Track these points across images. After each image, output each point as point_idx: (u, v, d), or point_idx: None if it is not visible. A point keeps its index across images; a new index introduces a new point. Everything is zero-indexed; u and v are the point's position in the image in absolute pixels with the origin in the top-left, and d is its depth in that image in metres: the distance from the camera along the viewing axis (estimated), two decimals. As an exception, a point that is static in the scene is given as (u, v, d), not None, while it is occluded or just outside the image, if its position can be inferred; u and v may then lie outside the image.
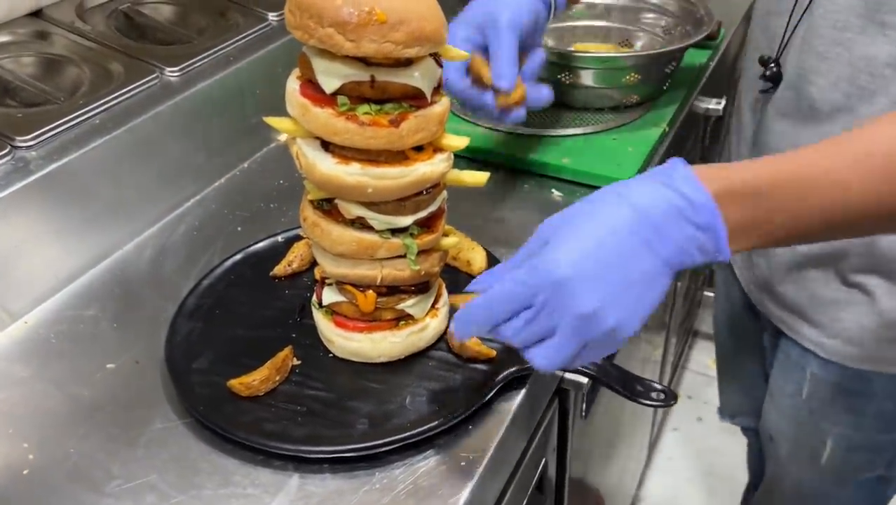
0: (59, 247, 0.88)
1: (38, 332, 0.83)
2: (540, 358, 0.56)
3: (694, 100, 1.26)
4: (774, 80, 0.89)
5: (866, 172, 0.55)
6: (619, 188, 0.56)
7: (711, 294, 2.27)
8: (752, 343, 1.12)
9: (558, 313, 0.53)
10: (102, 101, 0.93)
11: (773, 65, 0.89)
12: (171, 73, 1.01)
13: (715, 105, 1.36)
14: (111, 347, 0.81)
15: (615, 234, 0.54)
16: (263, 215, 1.00)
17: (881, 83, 0.78)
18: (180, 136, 1.00)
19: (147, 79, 0.98)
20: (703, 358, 2.32)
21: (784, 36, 0.87)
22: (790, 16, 0.86)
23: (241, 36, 1.10)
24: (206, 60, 1.05)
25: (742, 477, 1.39)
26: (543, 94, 0.91)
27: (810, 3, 0.83)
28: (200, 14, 1.15)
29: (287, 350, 0.74)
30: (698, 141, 1.46)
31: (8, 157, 0.84)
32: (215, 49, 1.07)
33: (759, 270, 1.00)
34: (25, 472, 0.68)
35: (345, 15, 0.57)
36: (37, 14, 1.05)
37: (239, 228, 0.98)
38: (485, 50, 0.87)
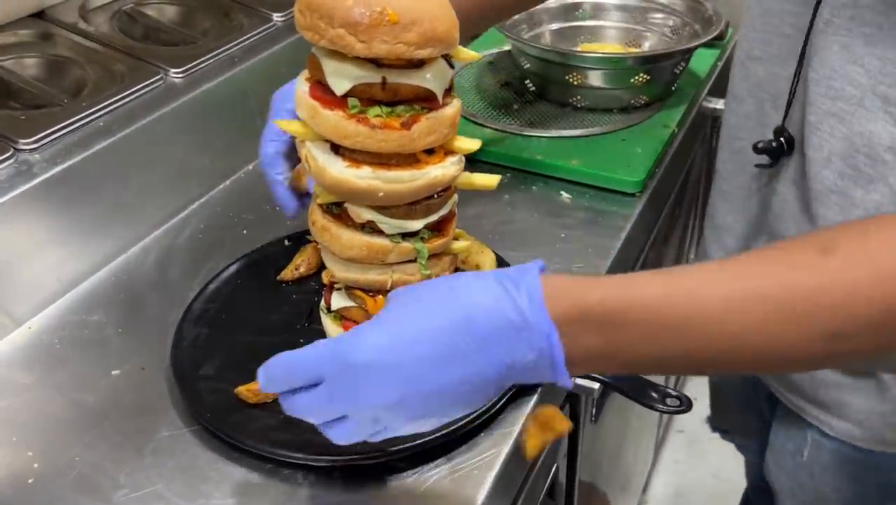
0: (62, 251, 0.87)
1: (41, 337, 0.82)
2: (334, 435, 0.53)
3: (702, 100, 1.25)
4: (777, 154, 0.77)
5: (755, 319, 0.47)
6: (464, 284, 0.50)
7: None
8: (748, 396, 1.02)
9: (349, 396, 0.49)
10: (106, 103, 0.92)
11: (781, 137, 0.76)
12: (176, 75, 1.00)
13: (722, 105, 1.34)
14: (116, 353, 0.79)
15: (437, 333, 0.48)
16: (269, 218, 0.99)
17: (881, 169, 0.66)
18: (185, 138, 0.99)
19: (151, 80, 0.97)
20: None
21: (790, 96, 0.76)
22: (795, 75, 0.74)
23: (245, 37, 1.09)
24: (210, 61, 1.04)
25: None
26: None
27: (801, 61, 0.73)
28: (204, 15, 1.14)
29: None
30: (706, 141, 1.45)
31: (11, 160, 0.83)
32: (220, 50, 1.06)
33: None
34: (30, 480, 0.67)
35: (356, 15, 0.56)
36: (39, 15, 1.04)
37: (245, 231, 0.96)
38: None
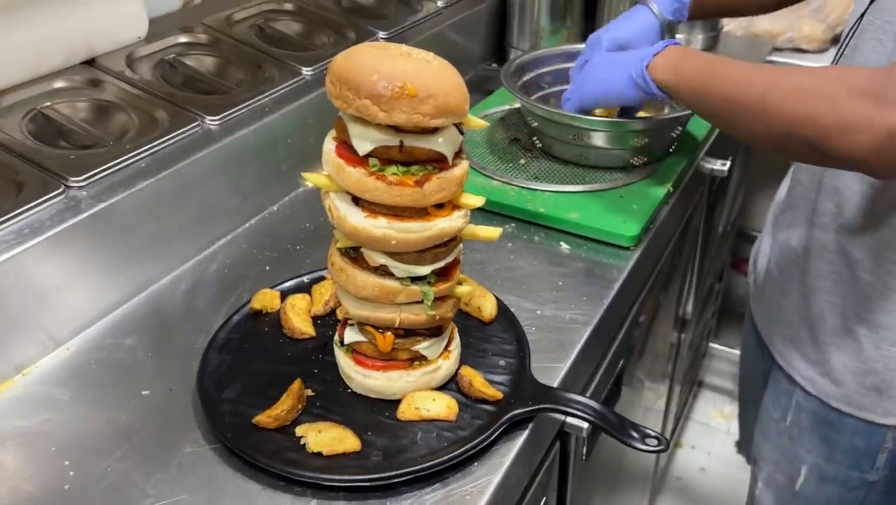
0: (102, 279, 0.95)
1: (79, 358, 0.90)
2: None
3: (700, 161, 1.33)
4: None
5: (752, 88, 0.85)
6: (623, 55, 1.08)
7: (717, 346, 2.32)
8: (760, 375, 1.20)
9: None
10: (148, 147, 1.01)
11: None
12: (212, 122, 1.09)
13: (720, 166, 1.42)
14: (146, 375, 0.87)
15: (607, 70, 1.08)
16: (290, 256, 1.07)
17: None
18: (217, 180, 1.08)
19: (189, 126, 1.06)
20: (708, 409, 2.35)
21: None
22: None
23: (276, 88, 1.19)
24: (243, 110, 1.13)
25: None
26: None
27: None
28: (239, 66, 1.23)
29: (298, 381, 0.79)
30: (703, 200, 1.53)
31: (62, 196, 0.92)
32: (252, 100, 1.15)
33: (771, 299, 1.12)
34: (66, 487, 0.74)
35: (380, 89, 0.64)
36: (90, 63, 1.14)
37: (267, 268, 1.04)
38: None
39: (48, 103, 1.05)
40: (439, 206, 0.73)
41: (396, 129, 0.68)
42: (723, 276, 2.17)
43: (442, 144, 0.70)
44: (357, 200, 0.72)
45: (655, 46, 1.02)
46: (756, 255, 1.23)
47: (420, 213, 0.71)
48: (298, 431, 0.76)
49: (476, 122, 0.73)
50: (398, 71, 0.65)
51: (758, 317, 1.20)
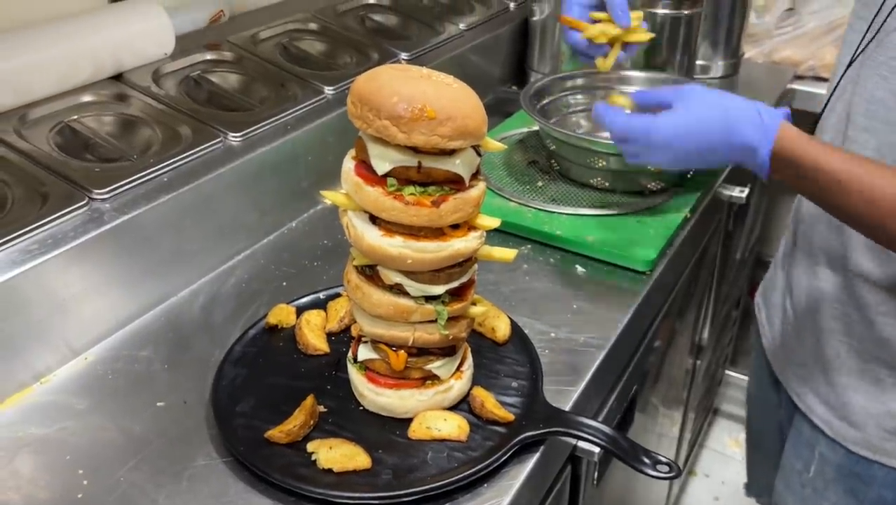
0: (121, 291, 0.96)
1: (96, 368, 0.91)
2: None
3: (718, 187, 1.32)
4: None
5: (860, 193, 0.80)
6: (734, 110, 0.86)
7: (733, 373, 2.30)
8: (773, 420, 1.17)
9: (642, 153, 0.92)
10: (171, 161, 1.03)
11: None
12: (234, 138, 1.11)
13: (738, 193, 1.42)
14: (162, 387, 0.88)
15: (705, 136, 0.87)
16: (307, 272, 1.08)
17: None
18: (237, 195, 1.09)
19: (212, 142, 1.08)
20: (723, 437, 2.32)
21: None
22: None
23: (298, 107, 1.20)
24: (265, 127, 1.15)
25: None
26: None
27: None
28: (263, 84, 1.25)
29: (311, 397, 0.80)
30: (721, 227, 1.52)
31: (86, 208, 0.93)
32: (274, 118, 1.17)
33: (785, 339, 1.09)
34: (79, 495, 0.75)
35: (400, 110, 0.66)
36: (118, 77, 1.16)
37: (284, 283, 1.05)
38: (601, 7, 1.07)
39: (75, 116, 1.07)
40: (455, 226, 0.73)
41: (415, 149, 0.69)
42: (740, 302, 2.16)
43: (459, 166, 0.70)
44: (374, 219, 0.73)
45: (775, 116, 0.84)
46: (766, 291, 1.21)
47: (436, 233, 0.72)
48: (310, 446, 0.76)
49: (494, 144, 0.74)
50: (418, 93, 0.66)
51: (772, 357, 1.17)
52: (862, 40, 0.94)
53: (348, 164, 0.74)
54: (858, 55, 0.94)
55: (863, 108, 0.92)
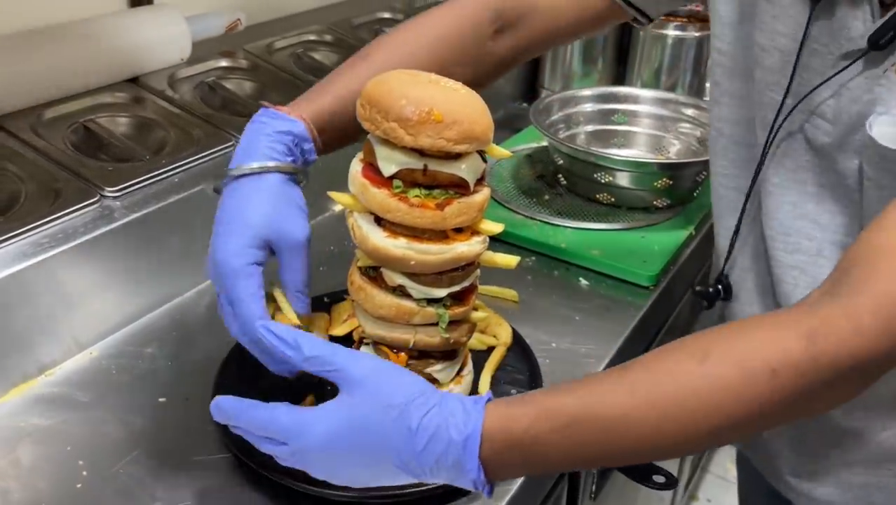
0: (129, 287, 0.98)
1: (101, 362, 0.92)
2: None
3: (724, 207, 1.33)
4: (713, 298, 0.86)
5: (650, 426, 0.55)
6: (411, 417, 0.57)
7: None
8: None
9: (298, 460, 0.62)
10: (182, 163, 1.04)
11: (719, 284, 0.84)
12: (245, 143, 1.12)
13: (745, 214, 1.43)
14: (164, 383, 0.89)
15: (375, 455, 0.59)
16: (313, 276, 1.08)
17: None
18: (246, 198, 1.10)
19: (224, 145, 1.09)
20: (725, 462, 2.31)
21: (730, 248, 0.83)
22: (735, 230, 0.81)
23: (310, 114, 1.22)
24: (276, 133, 1.16)
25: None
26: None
27: (740, 217, 0.80)
28: (277, 92, 1.27)
29: (311, 397, 0.81)
30: (727, 246, 1.52)
31: (97, 205, 0.95)
32: (286, 124, 1.18)
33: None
34: (78, 486, 0.76)
35: (407, 113, 0.67)
36: (134, 80, 1.18)
37: (289, 287, 1.06)
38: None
39: (91, 117, 1.09)
40: (459, 230, 0.74)
41: (421, 152, 0.70)
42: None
43: (465, 170, 0.71)
44: (379, 221, 0.74)
45: (465, 427, 0.56)
46: None
47: (440, 236, 0.73)
48: None
49: (500, 151, 0.75)
50: (426, 97, 0.67)
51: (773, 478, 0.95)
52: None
53: (356, 166, 0.75)
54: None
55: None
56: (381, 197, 0.71)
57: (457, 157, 0.71)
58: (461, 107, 0.68)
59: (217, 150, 1.08)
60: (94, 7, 1.22)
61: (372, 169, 0.73)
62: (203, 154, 1.07)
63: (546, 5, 0.85)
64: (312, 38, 1.45)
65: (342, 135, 0.81)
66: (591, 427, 0.56)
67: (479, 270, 0.80)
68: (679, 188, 1.22)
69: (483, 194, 0.74)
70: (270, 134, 0.75)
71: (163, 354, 0.93)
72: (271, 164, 0.74)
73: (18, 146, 0.99)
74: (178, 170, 1.03)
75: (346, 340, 0.92)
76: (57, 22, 1.12)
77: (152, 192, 1.00)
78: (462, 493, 0.74)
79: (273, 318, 0.77)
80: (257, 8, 1.50)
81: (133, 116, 1.12)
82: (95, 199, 0.95)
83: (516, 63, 0.91)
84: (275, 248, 0.74)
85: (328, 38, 1.46)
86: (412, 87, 0.69)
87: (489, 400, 0.59)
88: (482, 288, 1.04)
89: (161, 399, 0.86)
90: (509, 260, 0.80)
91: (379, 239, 0.73)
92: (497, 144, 0.74)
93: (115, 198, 0.97)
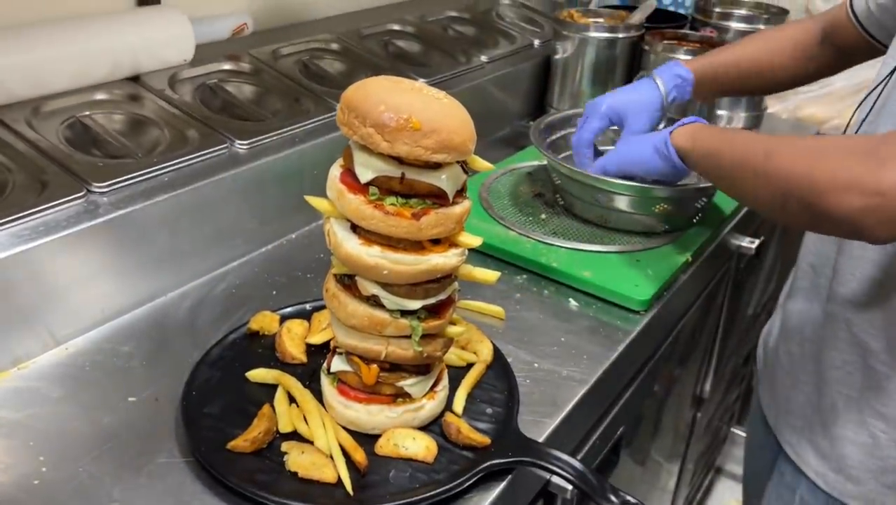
0: (110, 285, 0.97)
1: (76, 359, 0.91)
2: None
3: (726, 235, 1.30)
4: None
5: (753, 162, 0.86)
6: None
7: (740, 431, 2.24)
8: (766, 474, 1.14)
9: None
10: (174, 162, 1.04)
11: None
12: (241, 146, 1.12)
13: (748, 243, 1.40)
14: (136, 383, 0.88)
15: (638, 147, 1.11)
16: (298, 284, 1.08)
17: None
18: (238, 202, 1.10)
19: (217, 147, 1.09)
20: (725, 496, 2.25)
21: None
22: None
23: (309, 120, 1.22)
24: (273, 138, 1.16)
25: None
26: None
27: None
28: (277, 97, 1.27)
29: (266, 406, 0.79)
30: (729, 276, 1.50)
31: (82, 199, 0.94)
32: (284, 129, 1.18)
33: (780, 388, 1.07)
34: (36, 482, 0.74)
35: (385, 119, 0.65)
36: (135, 79, 1.18)
37: (274, 292, 1.05)
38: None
39: (87, 112, 1.09)
40: (436, 242, 0.72)
41: (399, 160, 0.68)
42: (749, 359, 2.11)
43: (444, 181, 0.70)
44: (355, 228, 0.72)
45: (683, 120, 1.04)
46: (766, 339, 1.19)
47: (415, 246, 0.71)
48: (284, 446, 0.76)
49: (482, 163, 0.74)
50: (405, 104, 0.66)
51: (766, 405, 1.14)
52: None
53: (334, 172, 0.73)
54: (888, 80, 0.91)
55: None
56: (356, 203, 0.70)
57: (436, 166, 0.70)
58: (441, 116, 0.67)
59: (210, 151, 1.08)
60: (103, 3, 1.22)
61: (350, 175, 0.72)
62: (195, 155, 1.06)
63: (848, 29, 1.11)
64: (319, 45, 1.45)
65: (712, 86, 1.23)
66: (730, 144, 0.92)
67: (456, 284, 0.78)
68: (679, 214, 1.20)
69: (463, 206, 0.73)
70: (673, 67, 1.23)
71: (138, 354, 0.92)
72: (659, 80, 1.21)
73: (11, 138, 0.99)
74: (168, 169, 1.03)
75: (324, 349, 0.90)
76: (62, 17, 1.13)
77: (140, 190, 0.99)
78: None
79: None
80: (267, 14, 1.51)
81: (129, 114, 1.12)
82: (81, 193, 0.95)
83: (835, 68, 1.18)
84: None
85: (335, 46, 1.46)
86: (392, 94, 0.67)
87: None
88: (468, 303, 1.02)
89: (131, 399, 0.85)
90: (489, 275, 0.78)
91: (353, 246, 0.71)
92: (499, 161, 0.73)
93: (101, 193, 0.96)
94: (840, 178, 0.73)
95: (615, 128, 1.23)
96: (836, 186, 0.73)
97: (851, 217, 0.73)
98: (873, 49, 1.10)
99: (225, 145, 1.10)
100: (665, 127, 1.15)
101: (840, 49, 1.14)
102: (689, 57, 1.54)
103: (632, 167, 1.12)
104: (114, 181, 0.97)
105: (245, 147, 1.12)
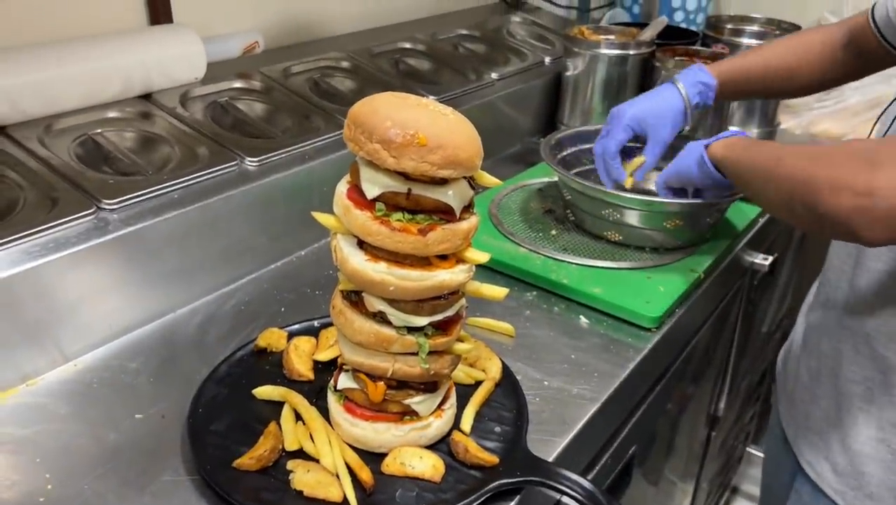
0: (119, 301, 0.97)
1: (84, 375, 0.91)
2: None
3: (739, 251, 1.29)
4: None
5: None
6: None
7: (756, 451, 2.20)
8: (784, 491, 1.13)
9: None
10: (184, 179, 1.04)
11: None
12: (251, 163, 1.12)
13: (762, 260, 1.38)
14: (143, 399, 0.87)
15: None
16: (307, 301, 1.07)
17: None
18: (247, 219, 1.10)
19: (227, 164, 1.09)
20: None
21: None
22: None
23: (319, 138, 1.22)
24: (283, 155, 1.16)
25: None
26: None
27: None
28: (288, 114, 1.27)
29: (273, 423, 0.79)
30: (742, 293, 1.48)
31: (92, 216, 0.95)
32: (294, 146, 1.18)
33: (800, 403, 1.05)
34: (41, 499, 0.74)
35: (391, 134, 0.65)
36: (146, 97, 1.19)
37: (283, 309, 1.05)
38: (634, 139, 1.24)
39: (99, 130, 1.10)
40: (443, 258, 0.72)
41: (406, 176, 0.68)
42: (765, 378, 2.08)
43: (451, 197, 0.70)
44: (362, 244, 0.72)
45: (724, 133, 1.07)
46: (786, 354, 1.17)
47: (422, 262, 0.71)
48: (290, 464, 0.75)
49: (489, 179, 0.73)
50: (412, 120, 0.66)
51: (785, 422, 1.12)
52: None
53: (341, 188, 0.73)
54: None
55: None
56: (363, 219, 0.69)
57: (443, 182, 0.69)
58: (447, 132, 0.67)
59: (220, 168, 1.08)
60: (114, 22, 1.23)
61: (357, 191, 0.71)
62: (206, 172, 1.07)
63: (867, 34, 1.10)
64: (330, 63, 1.45)
65: (736, 89, 1.25)
66: (757, 162, 0.92)
67: (464, 300, 0.77)
68: (690, 229, 1.19)
69: (470, 222, 0.72)
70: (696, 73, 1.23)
71: (146, 370, 0.92)
72: (681, 86, 1.21)
73: (23, 155, 1.00)
74: (177, 186, 1.03)
75: (331, 366, 0.90)
76: (75, 35, 1.14)
77: (150, 207, 0.99)
78: None
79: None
80: (278, 32, 1.52)
81: (140, 132, 1.13)
82: (91, 210, 0.95)
83: (858, 73, 1.18)
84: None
85: (346, 64, 1.47)
86: (399, 110, 0.67)
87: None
88: (477, 320, 1.01)
89: (138, 416, 0.85)
90: (496, 292, 0.78)
91: (359, 262, 0.71)
92: (509, 177, 0.72)
93: (111, 210, 0.97)
94: (835, 178, 0.74)
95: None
96: (832, 186, 0.74)
97: (845, 217, 0.73)
98: (893, 58, 1.09)
99: (235, 162, 1.10)
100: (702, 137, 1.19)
101: (862, 55, 1.14)
102: (700, 73, 1.53)
103: (682, 180, 1.13)
104: (124, 198, 0.98)
105: (255, 164, 1.12)
